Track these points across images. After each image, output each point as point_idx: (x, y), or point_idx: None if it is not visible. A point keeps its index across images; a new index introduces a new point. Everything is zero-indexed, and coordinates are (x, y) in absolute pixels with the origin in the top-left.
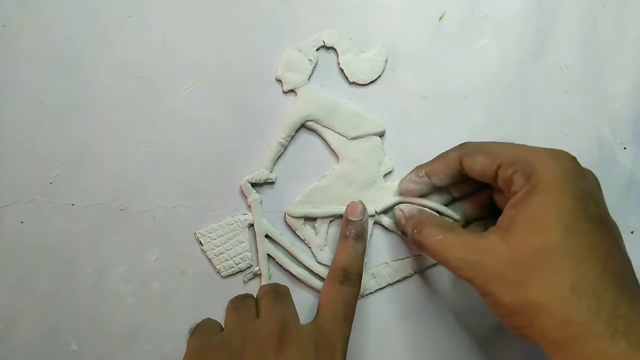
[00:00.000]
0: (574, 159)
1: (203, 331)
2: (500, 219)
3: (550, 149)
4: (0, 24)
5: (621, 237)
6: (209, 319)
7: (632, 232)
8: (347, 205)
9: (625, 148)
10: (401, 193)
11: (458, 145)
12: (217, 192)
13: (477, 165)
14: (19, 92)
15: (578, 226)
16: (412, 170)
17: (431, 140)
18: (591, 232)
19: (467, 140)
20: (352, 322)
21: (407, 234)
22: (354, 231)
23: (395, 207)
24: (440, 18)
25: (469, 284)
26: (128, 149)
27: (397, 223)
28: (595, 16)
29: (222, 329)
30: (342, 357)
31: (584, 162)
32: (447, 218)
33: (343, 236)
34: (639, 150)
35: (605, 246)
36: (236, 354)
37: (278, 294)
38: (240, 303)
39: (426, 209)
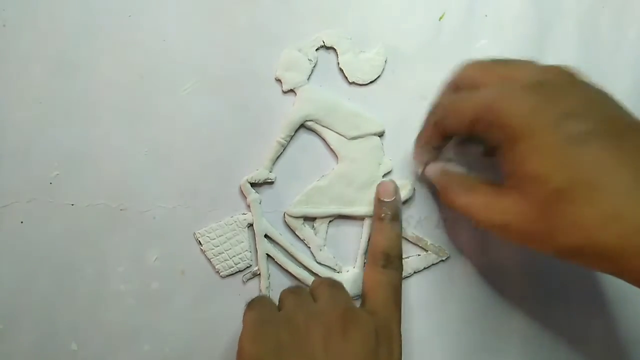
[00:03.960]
0: (536, 83)
1: (262, 307)
2: (506, 174)
3: (508, 86)
4: (0, 24)
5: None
6: (264, 296)
7: None
8: (378, 186)
9: None
10: (422, 164)
11: (430, 110)
12: (216, 192)
13: (450, 128)
14: (19, 92)
15: (573, 156)
16: (415, 146)
17: None
18: (590, 153)
19: None
20: (401, 307)
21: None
22: (389, 212)
23: (425, 171)
24: (440, 18)
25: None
26: (128, 149)
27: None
28: (595, 16)
29: (278, 309)
30: (399, 343)
31: None
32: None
33: (378, 219)
34: None
35: (612, 143)
36: (299, 333)
37: (335, 282)
38: (295, 288)
39: (443, 167)
